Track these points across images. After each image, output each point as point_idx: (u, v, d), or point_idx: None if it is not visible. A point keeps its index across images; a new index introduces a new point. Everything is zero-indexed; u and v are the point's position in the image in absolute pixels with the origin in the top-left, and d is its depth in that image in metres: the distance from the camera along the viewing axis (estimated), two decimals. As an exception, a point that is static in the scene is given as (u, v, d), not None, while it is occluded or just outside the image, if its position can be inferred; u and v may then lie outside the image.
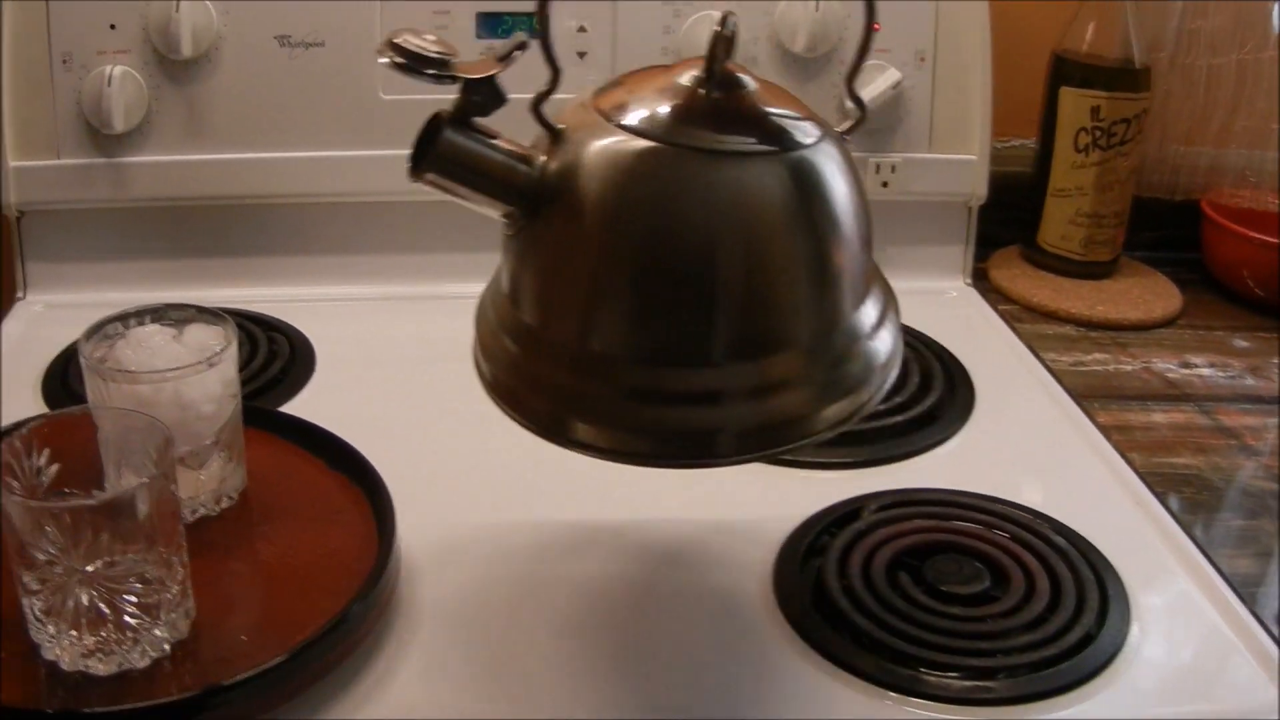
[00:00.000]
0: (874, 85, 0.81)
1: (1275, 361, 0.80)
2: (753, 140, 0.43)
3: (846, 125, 0.47)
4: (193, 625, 0.49)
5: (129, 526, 0.45)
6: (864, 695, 0.50)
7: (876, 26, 0.91)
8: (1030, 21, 0.89)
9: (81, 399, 0.69)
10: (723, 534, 0.60)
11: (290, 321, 0.78)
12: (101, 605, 0.45)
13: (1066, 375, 0.76)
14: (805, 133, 0.43)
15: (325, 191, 0.82)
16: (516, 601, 0.55)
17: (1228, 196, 0.90)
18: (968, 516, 0.60)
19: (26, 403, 0.69)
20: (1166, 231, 0.93)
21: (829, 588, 0.55)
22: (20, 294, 0.81)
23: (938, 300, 0.86)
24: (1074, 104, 0.84)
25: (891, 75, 0.80)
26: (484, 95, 0.42)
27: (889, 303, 0.47)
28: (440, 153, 0.42)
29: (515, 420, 0.44)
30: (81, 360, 0.54)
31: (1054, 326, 0.84)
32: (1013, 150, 0.93)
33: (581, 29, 0.80)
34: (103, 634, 0.46)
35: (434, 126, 0.42)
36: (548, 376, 0.44)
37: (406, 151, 0.42)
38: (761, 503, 0.63)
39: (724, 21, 0.43)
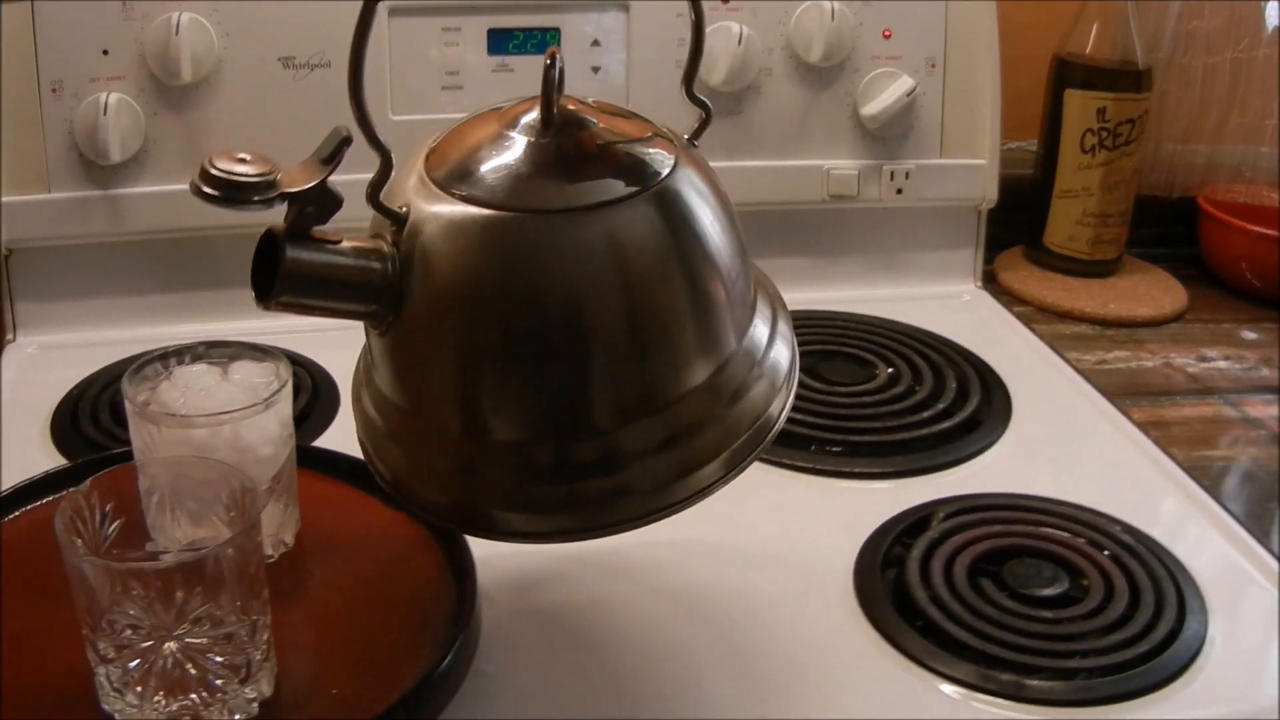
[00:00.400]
0: (887, 93, 0.81)
1: (1283, 351, 0.82)
2: (605, 186, 0.39)
3: (693, 130, 0.44)
4: (276, 680, 0.46)
5: (216, 583, 0.42)
6: (966, 702, 0.49)
7: (886, 34, 0.89)
8: (1025, 26, 0.90)
9: (97, 445, 0.66)
10: (793, 549, 0.59)
11: (304, 353, 0.75)
12: (188, 668, 0.42)
13: (1093, 374, 0.77)
14: (658, 161, 0.41)
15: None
16: (597, 621, 0.53)
17: (1223, 192, 0.93)
18: (1034, 519, 0.60)
19: (37, 451, 0.65)
20: (1164, 228, 0.95)
21: (915, 598, 0.54)
22: (10, 336, 0.77)
23: (953, 304, 0.87)
24: (1080, 106, 0.86)
25: (905, 83, 0.80)
26: (317, 204, 0.39)
27: (775, 306, 0.45)
28: (287, 273, 0.38)
29: (423, 519, 0.43)
30: (126, 405, 0.51)
31: (1070, 326, 0.85)
32: (1012, 153, 0.94)
33: (595, 43, 0.79)
34: (191, 698, 0.43)
35: (271, 247, 0.39)
36: (445, 472, 0.41)
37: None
38: (825, 516, 0.62)
39: (552, 59, 0.40)
